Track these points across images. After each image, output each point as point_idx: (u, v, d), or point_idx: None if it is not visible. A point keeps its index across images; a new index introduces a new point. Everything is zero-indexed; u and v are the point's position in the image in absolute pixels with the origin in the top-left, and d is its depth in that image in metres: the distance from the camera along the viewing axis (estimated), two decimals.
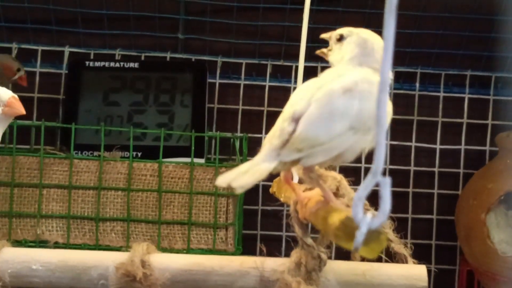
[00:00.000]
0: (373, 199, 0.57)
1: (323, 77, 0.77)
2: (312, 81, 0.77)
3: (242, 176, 0.68)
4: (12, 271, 0.88)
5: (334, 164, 0.80)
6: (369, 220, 0.51)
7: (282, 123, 0.73)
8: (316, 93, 0.73)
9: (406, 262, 0.83)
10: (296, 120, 0.72)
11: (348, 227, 0.62)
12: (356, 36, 0.79)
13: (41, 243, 1.15)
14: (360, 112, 0.71)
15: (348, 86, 0.72)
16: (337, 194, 0.82)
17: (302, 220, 0.80)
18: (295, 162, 0.73)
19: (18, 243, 1.14)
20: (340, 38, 0.80)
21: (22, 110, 0.95)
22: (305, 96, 0.74)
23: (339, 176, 0.85)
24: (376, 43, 0.78)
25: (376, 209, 0.52)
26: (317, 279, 0.80)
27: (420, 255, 0.88)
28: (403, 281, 0.81)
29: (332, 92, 0.72)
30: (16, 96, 0.96)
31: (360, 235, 0.52)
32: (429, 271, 0.83)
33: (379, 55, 0.76)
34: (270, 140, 0.73)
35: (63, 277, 0.88)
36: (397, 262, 0.83)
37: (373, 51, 0.77)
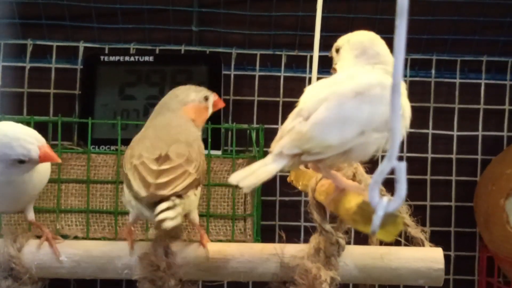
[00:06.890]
0: (389, 186, 0.57)
1: (336, 77, 0.77)
2: (325, 80, 0.77)
3: (250, 176, 0.70)
4: (39, 263, 0.90)
5: (342, 164, 0.80)
6: (385, 203, 0.52)
7: (291, 121, 0.73)
8: (327, 93, 0.73)
9: (423, 246, 0.83)
10: (306, 119, 0.72)
11: (365, 211, 0.63)
12: (347, 42, 0.80)
13: None
14: (371, 116, 0.71)
15: (359, 89, 0.72)
16: (353, 180, 0.82)
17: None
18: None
19: (38, 239, 1.15)
20: (337, 50, 0.82)
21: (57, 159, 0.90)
22: (316, 95, 0.74)
23: (355, 163, 0.85)
24: (372, 39, 0.78)
25: (393, 195, 0.52)
26: (336, 264, 0.80)
27: (439, 242, 0.88)
28: (420, 264, 0.81)
29: (343, 94, 0.72)
30: (46, 146, 0.89)
31: (377, 218, 0.52)
32: (449, 258, 0.83)
33: (380, 48, 0.77)
34: (280, 137, 0.73)
35: (88, 268, 0.90)
36: (414, 246, 0.84)
37: (373, 47, 0.78)
